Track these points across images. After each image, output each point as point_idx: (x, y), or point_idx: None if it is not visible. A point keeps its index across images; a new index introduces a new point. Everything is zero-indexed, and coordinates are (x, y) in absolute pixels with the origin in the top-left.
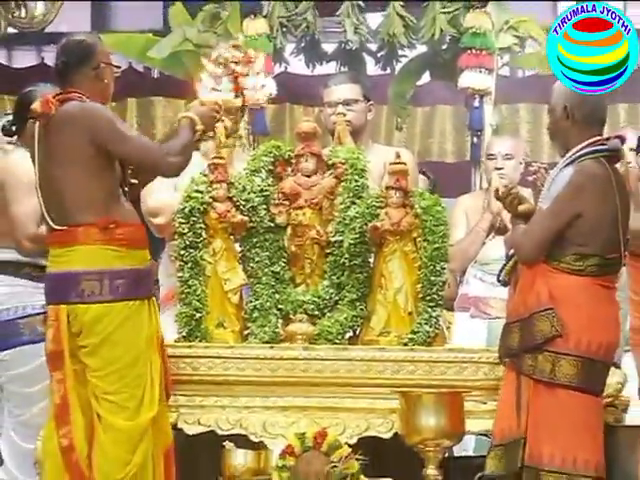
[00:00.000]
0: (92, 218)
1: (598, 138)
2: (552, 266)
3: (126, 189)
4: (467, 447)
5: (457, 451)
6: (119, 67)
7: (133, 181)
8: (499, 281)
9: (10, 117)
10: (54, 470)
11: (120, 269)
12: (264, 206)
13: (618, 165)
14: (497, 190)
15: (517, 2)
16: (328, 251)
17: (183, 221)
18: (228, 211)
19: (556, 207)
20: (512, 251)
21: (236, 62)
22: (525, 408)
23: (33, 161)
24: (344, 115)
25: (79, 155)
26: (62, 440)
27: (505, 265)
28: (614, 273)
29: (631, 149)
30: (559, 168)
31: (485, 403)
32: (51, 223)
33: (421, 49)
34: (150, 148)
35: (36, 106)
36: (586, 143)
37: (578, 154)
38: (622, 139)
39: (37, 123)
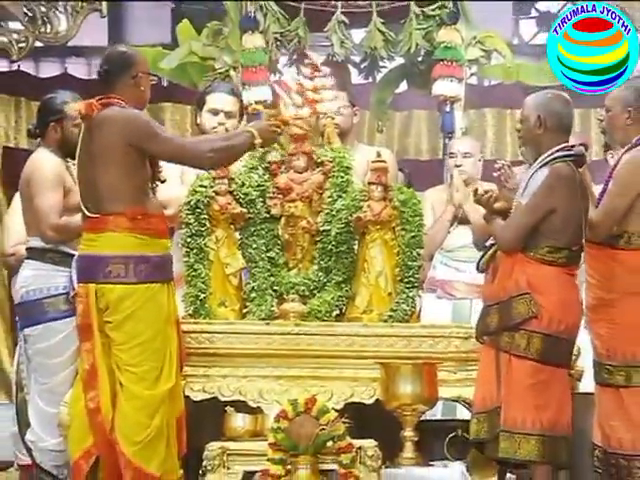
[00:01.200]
0: (122, 208)
1: (566, 144)
2: (528, 257)
3: (154, 186)
4: (436, 411)
5: (428, 415)
6: (156, 76)
7: (162, 178)
8: (477, 268)
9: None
10: (79, 430)
11: (144, 255)
12: (261, 199)
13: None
14: (476, 191)
15: (483, 20)
16: (317, 239)
17: (189, 212)
18: (229, 204)
19: (533, 203)
20: (489, 242)
21: (313, 90)
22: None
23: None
24: (333, 119)
25: (115, 154)
26: (89, 403)
27: (484, 255)
28: (577, 263)
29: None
30: (534, 169)
31: (456, 373)
32: (86, 211)
33: (399, 61)
34: (188, 145)
35: (80, 107)
36: (557, 148)
37: (551, 157)
38: (585, 146)
39: (83, 123)
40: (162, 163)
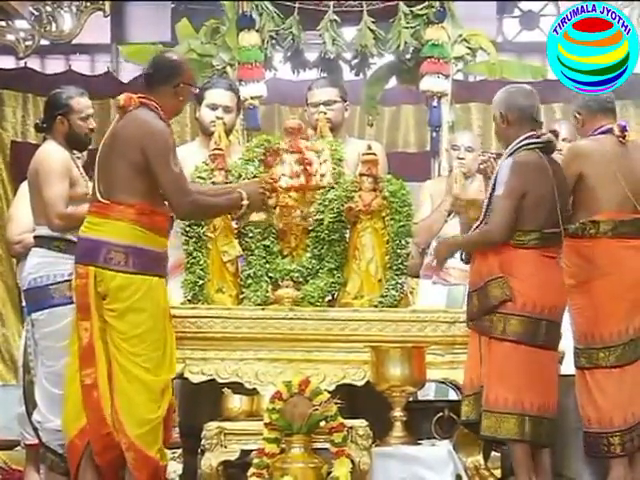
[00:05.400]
0: (132, 201)
1: (532, 133)
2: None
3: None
4: (429, 392)
5: (421, 395)
6: (197, 88)
7: None
8: (462, 260)
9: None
10: (74, 410)
11: (143, 247)
12: None
13: (557, 154)
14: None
15: (468, 18)
16: (310, 228)
17: None
18: None
19: (506, 189)
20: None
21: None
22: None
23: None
24: (325, 113)
25: (131, 153)
26: (85, 379)
27: None
28: (555, 245)
29: (563, 139)
30: (502, 160)
31: (443, 355)
32: (98, 195)
33: (389, 58)
34: (179, 188)
35: (120, 98)
36: (522, 138)
37: (516, 147)
38: (556, 133)
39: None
40: None
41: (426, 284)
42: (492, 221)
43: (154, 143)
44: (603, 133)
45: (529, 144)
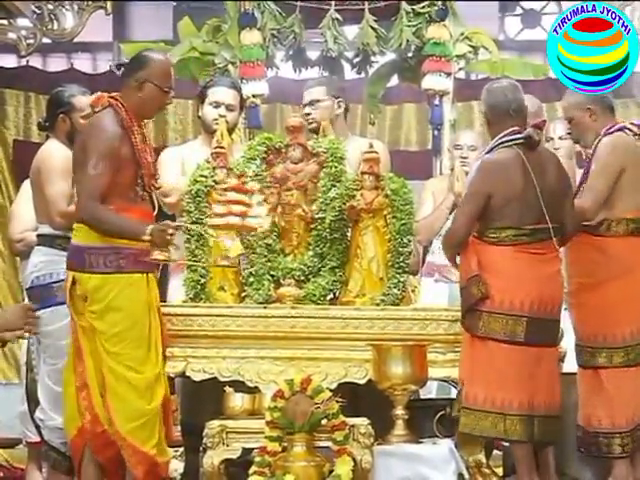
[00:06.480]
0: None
1: (512, 129)
2: (478, 240)
3: (146, 191)
4: (431, 390)
5: (423, 394)
6: (171, 96)
7: (157, 185)
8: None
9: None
10: (73, 409)
11: (115, 247)
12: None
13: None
14: None
15: (470, 17)
16: (312, 226)
17: (190, 201)
18: None
19: (469, 192)
20: None
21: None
22: None
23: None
24: (309, 114)
25: (85, 156)
26: (78, 379)
27: None
28: (541, 241)
29: (560, 137)
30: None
31: (445, 354)
32: (75, 199)
33: (390, 56)
34: (87, 191)
35: (90, 98)
36: (500, 135)
37: (492, 146)
38: (539, 127)
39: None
40: (160, 168)
41: (428, 282)
42: (452, 223)
43: (91, 143)
44: (618, 130)
45: (506, 141)
